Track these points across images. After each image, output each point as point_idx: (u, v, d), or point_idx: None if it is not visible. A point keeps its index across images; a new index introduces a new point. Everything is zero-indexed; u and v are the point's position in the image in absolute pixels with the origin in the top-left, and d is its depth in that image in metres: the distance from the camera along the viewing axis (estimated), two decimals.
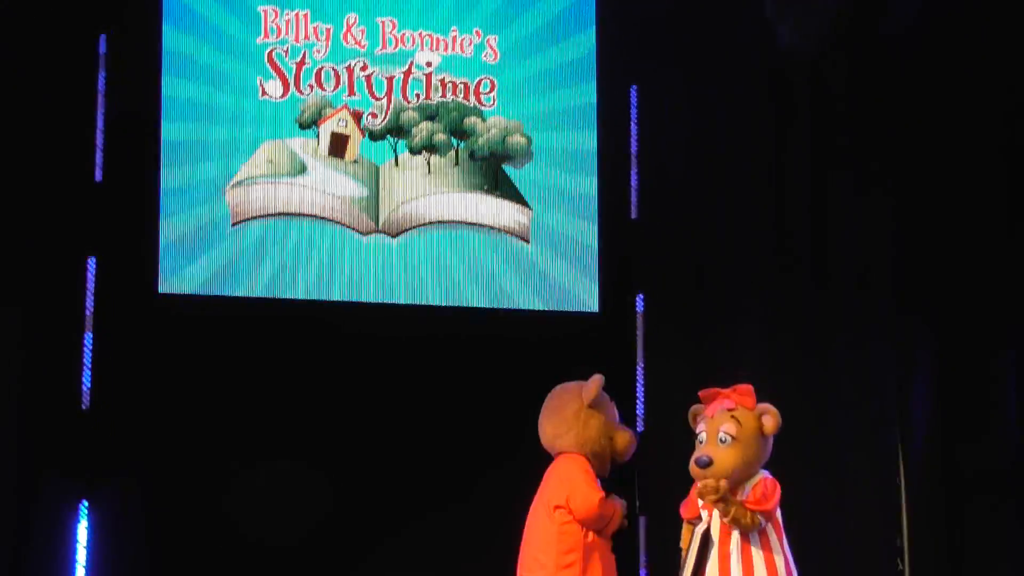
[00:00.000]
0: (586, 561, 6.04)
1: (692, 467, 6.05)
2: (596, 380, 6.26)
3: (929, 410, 8.39)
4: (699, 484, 5.92)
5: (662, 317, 8.40)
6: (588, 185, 8.39)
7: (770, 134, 8.50)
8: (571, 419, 6.22)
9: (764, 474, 6.11)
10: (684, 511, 6.18)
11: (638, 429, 8.30)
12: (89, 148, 7.71)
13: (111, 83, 7.76)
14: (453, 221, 8.21)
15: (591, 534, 6.08)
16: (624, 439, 6.31)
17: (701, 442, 6.08)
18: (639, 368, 8.40)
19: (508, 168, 8.30)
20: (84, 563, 7.42)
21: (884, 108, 8.52)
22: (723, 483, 5.83)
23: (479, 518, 6.93)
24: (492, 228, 8.26)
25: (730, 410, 6.07)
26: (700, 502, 6.05)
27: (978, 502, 8.28)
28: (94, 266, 7.69)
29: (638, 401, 8.34)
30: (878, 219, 8.49)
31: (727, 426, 6.05)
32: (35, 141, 7.52)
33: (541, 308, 8.25)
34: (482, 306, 8.16)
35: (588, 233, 8.36)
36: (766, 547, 6.00)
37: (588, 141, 8.42)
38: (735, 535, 5.96)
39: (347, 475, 7.58)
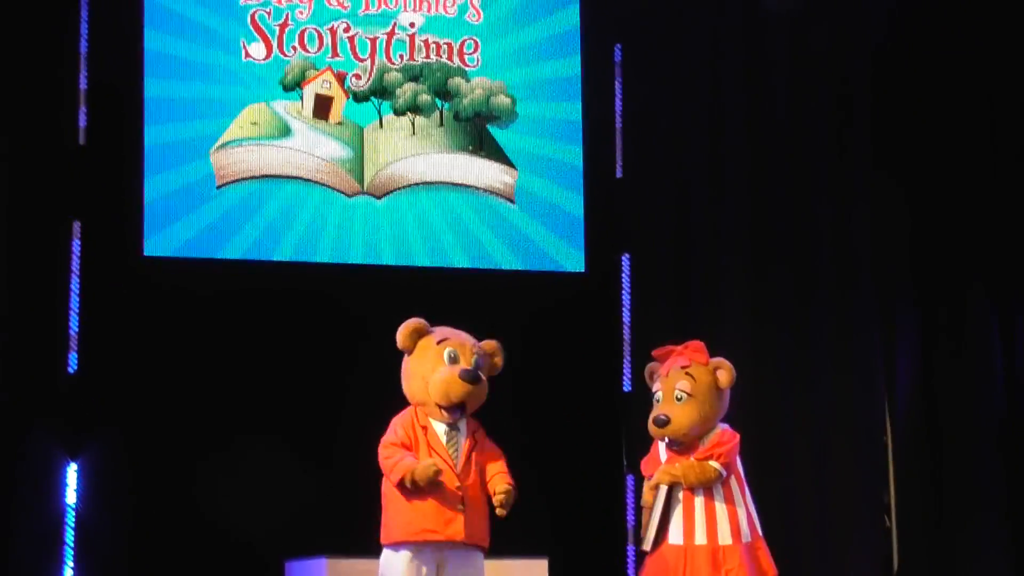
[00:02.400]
0: (391, 517, 5.80)
1: (651, 426, 6.14)
2: (403, 325, 5.97)
3: (915, 367, 8.43)
4: (653, 477, 6.04)
5: (648, 276, 8.41)
6: (573, 145, 8.38)
7: (753, 91, 8.51)
8: (403, 371, 6.01)
9: (723, 427, 6.18)
10: (645, 468, 6.23)
11: (625, 389, 8.33)
12: (72, 111, 7.68)
13: (93, 46, 7.72)
14: (438, 182, 8.20)
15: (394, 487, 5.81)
16: (445, 385, 5.87)
17: (658, 401, 6.17)
18: (625, 327, 8.41)
19: (493, 128, 8.29)
20: (72, 525, 7.42)
21: (866, 61, 8.56)
22: (676, 469, 5.99)
23: None
24: (477, 188, 8.25)
25: (684, 367, 6.17)
26: (663, 459, 6.12)
27: (963, 459, 8.32)
28: (79, 230, 7.67)
29: (625, 360, 8.36)
30: (860, 176, 8.52)
31: (682, 383, 6.13)
32: (17, 104, 7.48)
33: (526, 268, 8.25)
34: (467, 267, 8.16)
35: (573, 193, 8.36)
36: (729, 500, 6.10)
37: (572, 101, 8.41)
38: (698, 490, 6.04)
39: (332, 435, 7.58)
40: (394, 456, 5.80)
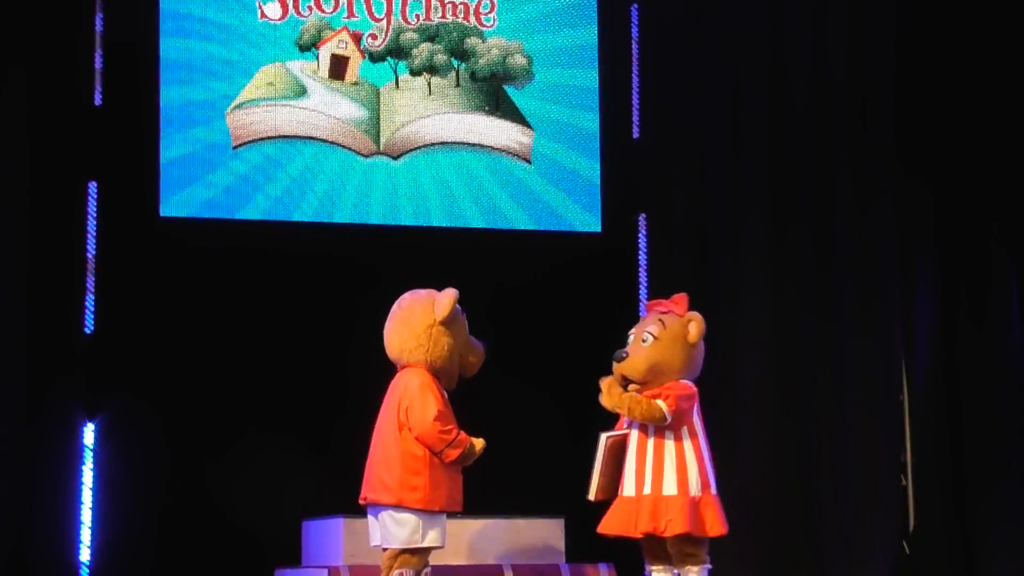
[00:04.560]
0: (433, 480, 5.97)
1: (613, 364, 6.26)
2: (449, 295, 6.11)
3: (935, 329, 8.41)
4: (602, 383, 6.26)
5: (664, 236, 8.40)
6: (589, 106, 8.36)
7: (772, 51, 8.47)
8: (421, 334, 6.10)
9: (685, 381, 6.20)
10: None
11: None
12: (88, 72, 7.67)
13: (109, 6, 7.71)
14: (454, 142, 8.19)
15: (435, 458, 5.99)
16: (476, 358, 6.25)
17: (628, 342, 6.19)
18: (642, 288, 8.41)
19: (509, 88, 8.27)
20: (91, 485, 7.45)
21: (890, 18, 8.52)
22: (622, 400, 6.19)
23: (490, 432, 6.90)
24: (493, 149, 8.24)
25: (661, 314, 6.29)
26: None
27: (982, 421, 8.31)
28: (95, 190, 7.67)
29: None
30: (883, 141, 8.48)
31: (652, 327, 6.31)
32: (33, 65, 7.47)
33: (543, 228, 8.24)
34: (483, 227, 8.16)
35: (590, 153, 8.35)
36: (680, 453, 6.25)
37: (589, 61, 8.39)
38: (649, 444, 6.18)
39: (348, 394, 7.58)
40: (452, 434, 6.00)
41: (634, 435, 6.30)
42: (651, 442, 6.22)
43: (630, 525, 6.21)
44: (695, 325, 6.31)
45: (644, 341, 6.28)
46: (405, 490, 5.96)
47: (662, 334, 6.28)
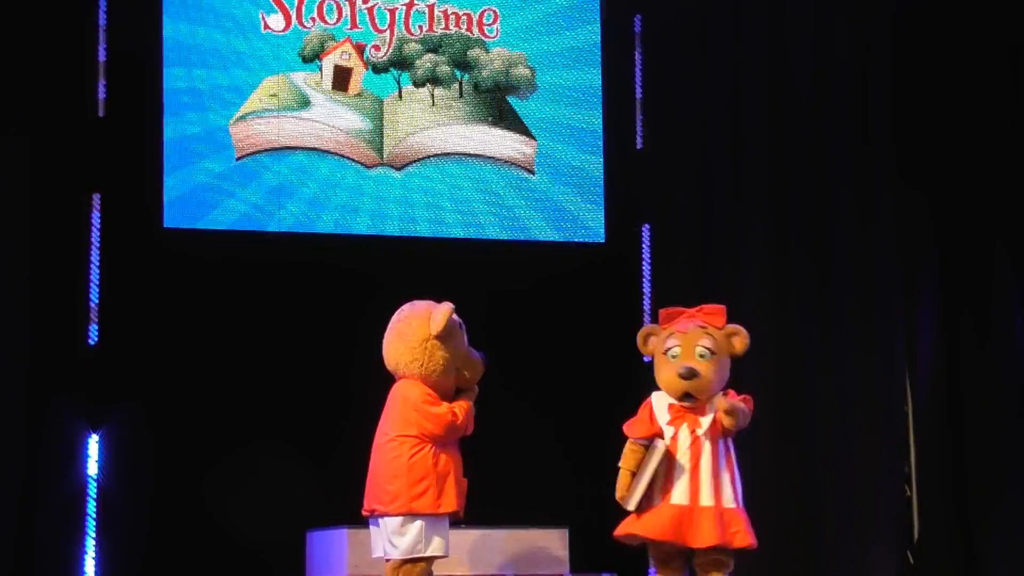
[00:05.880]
0: (440, 486, 5.98)
1: (673, 379, 6.11)
2: (444, 309, 6.10)
3: (938, 340, 8.40)
4: (726, 403, 6.03)
5: (668, 246, 8.40)
6: (593, 116, 8.37)
7: (775, 61, 8.47)
8: (416, 347, 6.09)
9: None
10: (631, 430, 6.20)
11: (645, 359, 8.31)
12: (91, 83, 7.68)
13: (112, 17, 7.72)
14: (457, 153, 8.19)
15: (442, 459, 5.99)
16: (473, 373, 6.21)
17: (675, 356, 6.12)
18: (645, 298, 8.41)
19: (513, 99, 8.28)
20: (94, 496, 7.45)
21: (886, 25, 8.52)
22: (738, 403, 6.06)
23: (494, 441, 6.91)
24: (496, 159, 8.24)
25: (703, 327, 6.15)
26: (664, 419, 6.11)
27: (985, 431, 8.30)
28: (99, 202, 7.68)
29: None
30: (884, 151, 8.48)
31: (705, 341, 6.15)
32: (36, 77, 7.48)
33: (547, 239, 8.25)
34: (487, 237, 8.16)
35: (593, 163, 8.35)
36: (730, 465, 6.21)
37: (593, 72, 8.40)
38: (705, 453, 6.09)
39: (351, 405, 7.58)
40: (441, 406, 6.04)
41: (684, 443, 6.16)
42: (706, 451, 6.12)
43: (684, 534, 6.07)
44: (740, 339, 6.19)
45: (702, 356, 6.15)
46: (413, 497, 5.96)
47: (717, 348, 6.16)
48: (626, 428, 6.23)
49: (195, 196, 7.81)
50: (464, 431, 6.09)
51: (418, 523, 5.96)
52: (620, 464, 6.14)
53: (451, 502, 5.98)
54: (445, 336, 6.08)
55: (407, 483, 5.97)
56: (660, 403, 6.21)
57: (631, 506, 6.09)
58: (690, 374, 6.09)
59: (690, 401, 6.14)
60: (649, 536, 6.13)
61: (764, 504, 7.94)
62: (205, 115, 7.85)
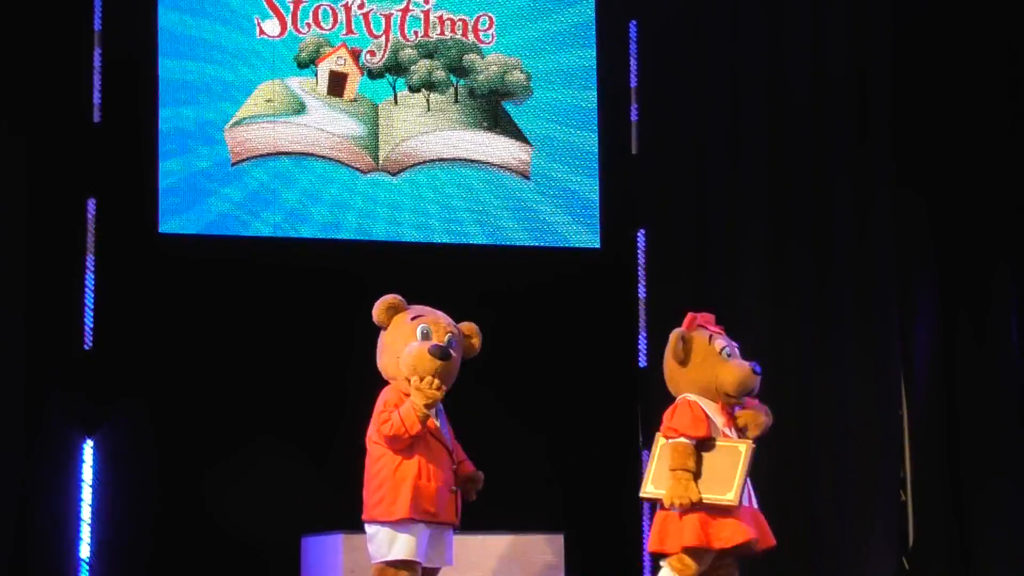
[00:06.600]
0: (395, 492, 5.85)
1: (748, 374, 6.14)
2: (381, 300, 6.03)
3: (934, 343, 8.41)
4: (768, 419, 6.16)
5: (663, 252, 8.40)
6: (588, 121, 8.38)
7: (771, 66, 8.48)
8: (386, 348, 6.06)
9: None
10: (695, 428, 6.10)
11: (640, 365, 8.33)
12: (87, 89, 7.68)
13: (107, 22, 7.72)
14: (453, 158, 8.20)
15: (404, 465, 5.85)
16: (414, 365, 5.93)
17: (730, 355, 6.21)
18: (641, 304, 8.40)
19: (508, 105, 8.28)
20: (90, 502, 7.44)
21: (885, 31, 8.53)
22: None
23: (489, 447, 6.90)
24: (492, 165, 8.24)
25: (714, 332, 6.31)
26: (719, 419, 6.12)
27: (980, 435, 8.31)
28: (94, 207, 7.68)
29: (640, 336, 8.35)
30: (881, 154, 8.49)
31: (732, 346, 6.26)
32: (32, 82, 7.49)
33: (542, 245, 8.25)
34: (482, 243, 8.16)
35: (588, 168, 8.35)
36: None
37: (587, 78, 8.40)
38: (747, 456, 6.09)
39: (346, 410, 7.58)
40: (391, 415, 5.82)
41: (747, 444, 6.14)
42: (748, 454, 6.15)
43: (768, 536, 6.16)
44: None
45: (731, 356, 6.25)
46: (371, 504, 5.93)
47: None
48: (685, 428, 6.08)
49: (190, 201, 7.82)
50: (408, 434, 5.82)
51: (380, 529, 5.90)
52: (672, 466, 6.00)
53: (404, 508, 5.83)
54: (385, 323, 6.01)
55: (370, 490, 5.95)
56: (703, 404, 6.19)
57: (734, 499, 5.97)
58: (761, 371, 6.19)
59: (742, 399, 6.20)
60: (766, 544, 6.15)
61: (760, 505, 7.97)
62: (200, 120, 7.85)
